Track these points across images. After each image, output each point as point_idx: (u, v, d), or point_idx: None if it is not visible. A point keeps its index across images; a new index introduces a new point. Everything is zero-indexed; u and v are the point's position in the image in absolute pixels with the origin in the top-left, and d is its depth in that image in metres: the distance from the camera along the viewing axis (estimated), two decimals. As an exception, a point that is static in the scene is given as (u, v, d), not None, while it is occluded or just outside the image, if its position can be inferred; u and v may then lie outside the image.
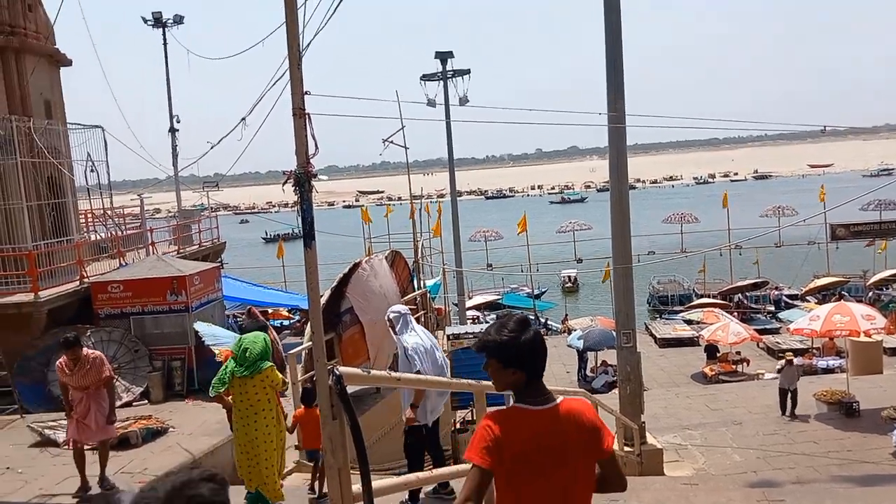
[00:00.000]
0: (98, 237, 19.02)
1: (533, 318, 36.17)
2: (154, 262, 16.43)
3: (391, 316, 5.99)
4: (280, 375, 5.70)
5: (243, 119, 7.54)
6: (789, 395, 13.08)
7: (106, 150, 17.60)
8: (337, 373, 2.90)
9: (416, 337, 5.90)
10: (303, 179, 2.74)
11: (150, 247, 19.70)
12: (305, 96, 2.70)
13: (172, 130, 26.13)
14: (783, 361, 13.84)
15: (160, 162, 23.41)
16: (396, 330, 5.88)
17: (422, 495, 5.59)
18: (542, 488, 2.60)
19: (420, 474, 4.16)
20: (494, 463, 2.54)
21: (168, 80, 25.53)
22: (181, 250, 20.54)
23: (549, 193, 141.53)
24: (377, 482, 3.38)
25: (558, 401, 2.68)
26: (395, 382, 3.80)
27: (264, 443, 5.48)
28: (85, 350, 7.47)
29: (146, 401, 13.90)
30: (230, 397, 5.71)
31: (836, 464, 10.49)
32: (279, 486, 5.71)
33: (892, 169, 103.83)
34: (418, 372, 5.20)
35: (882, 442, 11.46)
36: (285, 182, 2.79)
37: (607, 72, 9.71)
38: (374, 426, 8.88)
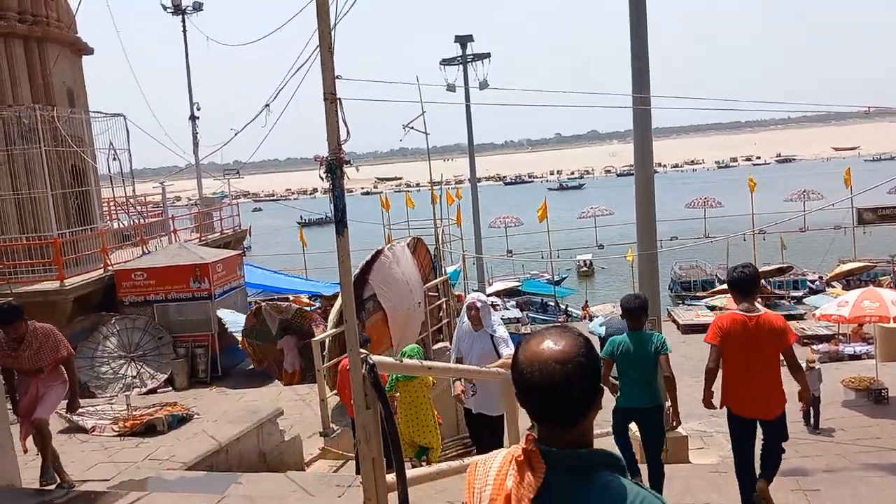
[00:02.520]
0: (121, 225, 19.19)
1: (552, 304, 36.04)
2: (177, 249, 16.56)
3: (479, 304, 6.06)
4: (430, 378, 6.85)
5: (267, 105, 7.52)
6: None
7: (128, 138, 17.69)
8: (371, 361, 2.86)
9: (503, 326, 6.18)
10: (334, 166, 2.70)
11: (173, 234, 19.85)
12: (336, 80, 2.64)
13: (193, 118, 26.23)
14: (804, 364, 13.48)
15: (182, 150, 23.52)
16: (486, 319, 6.02)
17: None
18: (743, 362, 4.84)
19: (452, 464, 4.11)
20: (722, 342, 4.89)
21: (188, 67, 25.60)
22: (203, 238, 20.68)
23: (569, 178, 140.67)
24: (412, 472, 3.35)
25: (761, 312, 4.93)
26: (426, 371, 3.77)
27: (427, 426, 6.79)
28: (32, 323, 5.92)
29: (171, 388, 14.05)
30: (398, 394, 6.85)
31: (865, 451, 10.31)
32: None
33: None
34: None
35: (912, 430, 11.25)
36: (320, 168, 2.74)
37: (632, 52, 9.56)
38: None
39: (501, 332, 6.03)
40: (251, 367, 16.61)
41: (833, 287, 31.10)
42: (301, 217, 77.61)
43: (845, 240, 35.65)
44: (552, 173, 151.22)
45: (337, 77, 2.66)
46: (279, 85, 5.36)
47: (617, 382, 5.48)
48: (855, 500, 4.90)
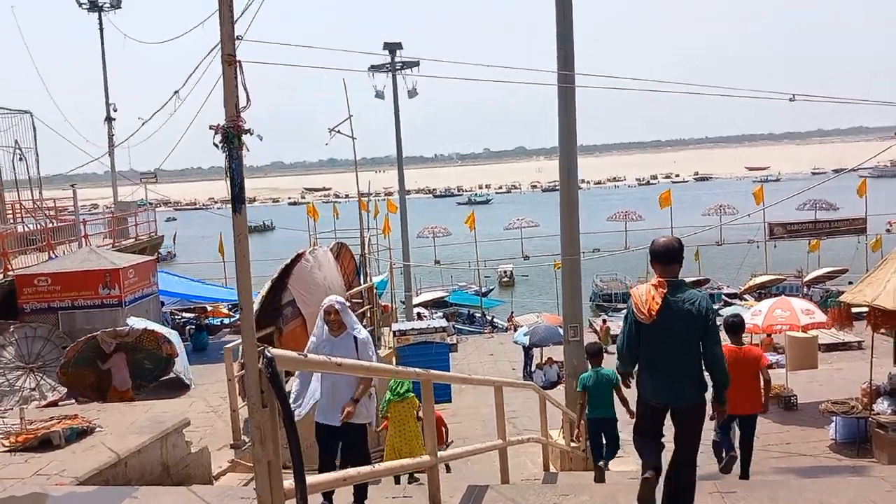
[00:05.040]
0: (26, 229, 18.06)
1: (479, 315, 36.11)
2: (86, 254, 15.70)
3: (338, 306, 5.52)
4: (418, 401, 7.70)
5: (176, 92, 7.14)
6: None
7: (35, 137, 16.72)
8: (268, 355, 2.61)
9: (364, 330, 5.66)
10: (231, 135, 2.45)
11: (84, 239, 18.81)
12: (237, 42, 2.41)
13: (109, 119, 25.05)
14: None
15: (94, 152, 22.37)
16: (348, 319, 5.51)
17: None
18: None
19: (361, 469, 3.85)
20: None
21: (104, 66, 24.46)
22: (116, 244, 19.72)
23: (497, 193, 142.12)
24: (312, 477, 3.10)
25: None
26: (335, 368, 3.51)
27: (413, 440, 7.79)
28: None
29: (73, 400, 13.17)
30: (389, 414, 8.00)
31: (776, 457, 10.60)
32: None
33: (823, 172, 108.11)
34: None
35: (820, 435, 11.65)
36: (214, 137, 2.48)
37: (557, 38, 9.68)
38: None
39: (364, 334, 5.54)
40: (164, 376, 15.85)
41: (746, 300, 32.35)
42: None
43: (758, 254, 37.22)
44: (481, 187, 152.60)
45: (237, 38, 2.42)
46: (191, 71, 4.99)
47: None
48: (773, 503, 4.90)
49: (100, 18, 26.29)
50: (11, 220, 18.06)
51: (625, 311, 4.41)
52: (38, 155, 17.09)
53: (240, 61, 2.39)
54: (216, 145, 2.42)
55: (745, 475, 6.92)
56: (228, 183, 2.48)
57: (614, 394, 7.29)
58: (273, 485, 2.62)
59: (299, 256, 10.37)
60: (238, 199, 2.49)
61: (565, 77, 9.07)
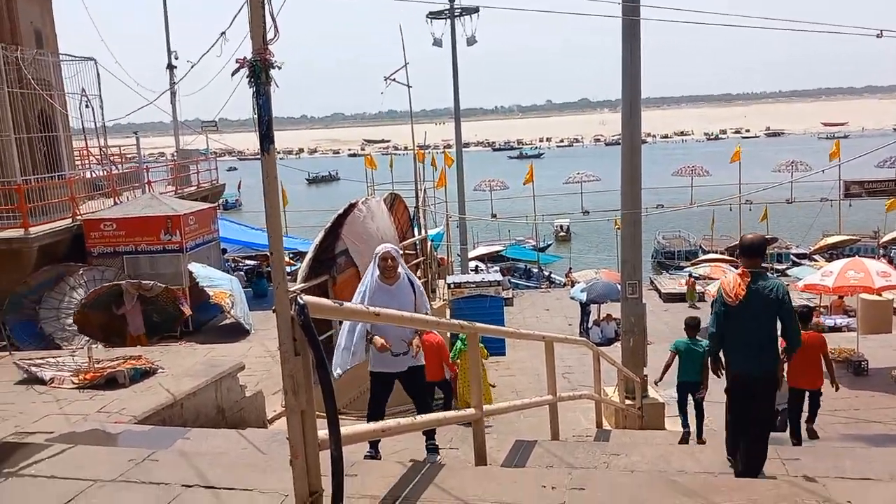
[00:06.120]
0: (93, 175, 18.58)
1: (536, 270, 35.80)
2: (148, 200, 16.05)
3: (394, 253, 5.41)
4: (486, 352, 8.95)
5: (223, 33, 7.01)
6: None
7: (99, 83, 17.00)
8: (300, 302, 2.50)
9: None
10: (258, 69, 2.29)
11: (147, 186, 19.27)
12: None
13: (171, 67, 25.32)
14: None
15: (158, 100, 22.64)
16: (403, 267, 5.43)
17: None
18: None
19: (401, 420, 3.78)
20: None
21: (165, 13, 24.61)
22: (179, 191, 20.13)
23: (558, 146, 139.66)
24: (348, 428, 3.01)
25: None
26: (373, 318, 3.39)
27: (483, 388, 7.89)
28: None
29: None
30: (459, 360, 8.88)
31: (843, 422, 10.19)
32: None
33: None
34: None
35: (890, 402, 11.16)
36: (236, 71, 2.33)
37: None
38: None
39: (418, 283, 5.47)
40: (224, 321, 16.26)
41: (815, 260, 31.06)
42: (308, 174, 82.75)
43: (830, 213, 35.51)
44: (541, 140, 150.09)
45: (264, -36, 2.24)
46: (237, 12, 4.77)
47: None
48: (838, 472, 4.63)
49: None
50: (79, 167, 18.58)
51: (715, 299, 5.36)
52: (102, 101, 17.40)
53: (267, -11, 2.22)
54: (239, 77, 2.27)
55: (812, 433, 8.15)
56: (256, 120, 2.34)
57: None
58: (307, 435, 2.54)
59: (352, 206, 10.30)
60: (266, 137, 2.35)
61: (631, 9, 8.57)
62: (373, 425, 3.25)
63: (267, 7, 2.27)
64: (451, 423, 4.71)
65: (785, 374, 6.84)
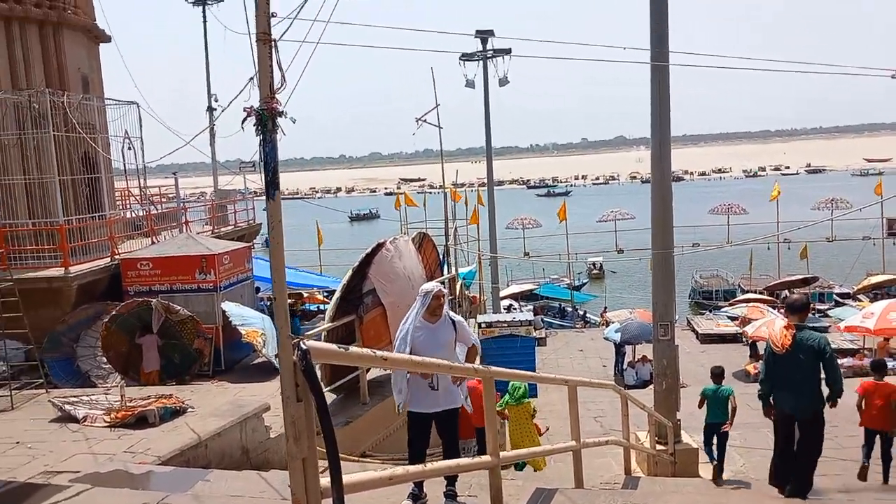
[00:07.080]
0: (133, 215, 19.05)
1: (571, 309, 35.43)
2: (184, 240, 16.34)
3: (445, 291, 5.52)
4: (531, 406, 9.39)
5: (251, 79, 7.19)
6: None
7: (140, 126, 17.52)
8: (303, 347, 2.50)
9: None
10: (265, 117, 2.34)
11: (185, 225, 19.67)
12: (273, 19, 2.30)
13: (210, 110, 26.10)
14: None
15: (197, 142, 23.35)
16: (447, 307, 5.52)
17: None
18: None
19: (410, 468, 3.73)
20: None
21: (207, 58, 25.51)
22: (216, 230, 20.50)
23: (594, 184, 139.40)
24: (353, 476, 2.97)
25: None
26: (380, 362, 3.38)
27: (527, 437, 9.04)
28: None
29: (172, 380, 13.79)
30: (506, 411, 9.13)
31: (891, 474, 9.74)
32: (541, 463, 9.37)
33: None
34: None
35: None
36: (244, 120, 2.39)
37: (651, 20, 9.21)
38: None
39: (459, 318, 5.56)
40: (256, 360, 16.34)
41: (859, 300, 30.18)
42: (350, 212, 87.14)
43: (874, 251, 34.60)
44: (576, 178, 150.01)
45: (273, 15, 2.31)
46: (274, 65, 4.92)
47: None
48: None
49: (203, 12, 27.43)
50: (120, 207, 19.08)
51: (764, 349, 6.44)
52: (143, 143, 17.91)
53: (274, 40, 2.28)
54: (243, 128, 2.32)
55: (886, 480, 8.33)
56: (261, 167, 2.38)
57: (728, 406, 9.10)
58: (308, 483, 2.52)
59: (380, 246, 10.37)
60: (272, 184, 2.39)
61: (658, 54, 8.58)
62: (377, 474, 3.20)
63: (275, 56, 2.32)
64: (465, 470, 4.62)
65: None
